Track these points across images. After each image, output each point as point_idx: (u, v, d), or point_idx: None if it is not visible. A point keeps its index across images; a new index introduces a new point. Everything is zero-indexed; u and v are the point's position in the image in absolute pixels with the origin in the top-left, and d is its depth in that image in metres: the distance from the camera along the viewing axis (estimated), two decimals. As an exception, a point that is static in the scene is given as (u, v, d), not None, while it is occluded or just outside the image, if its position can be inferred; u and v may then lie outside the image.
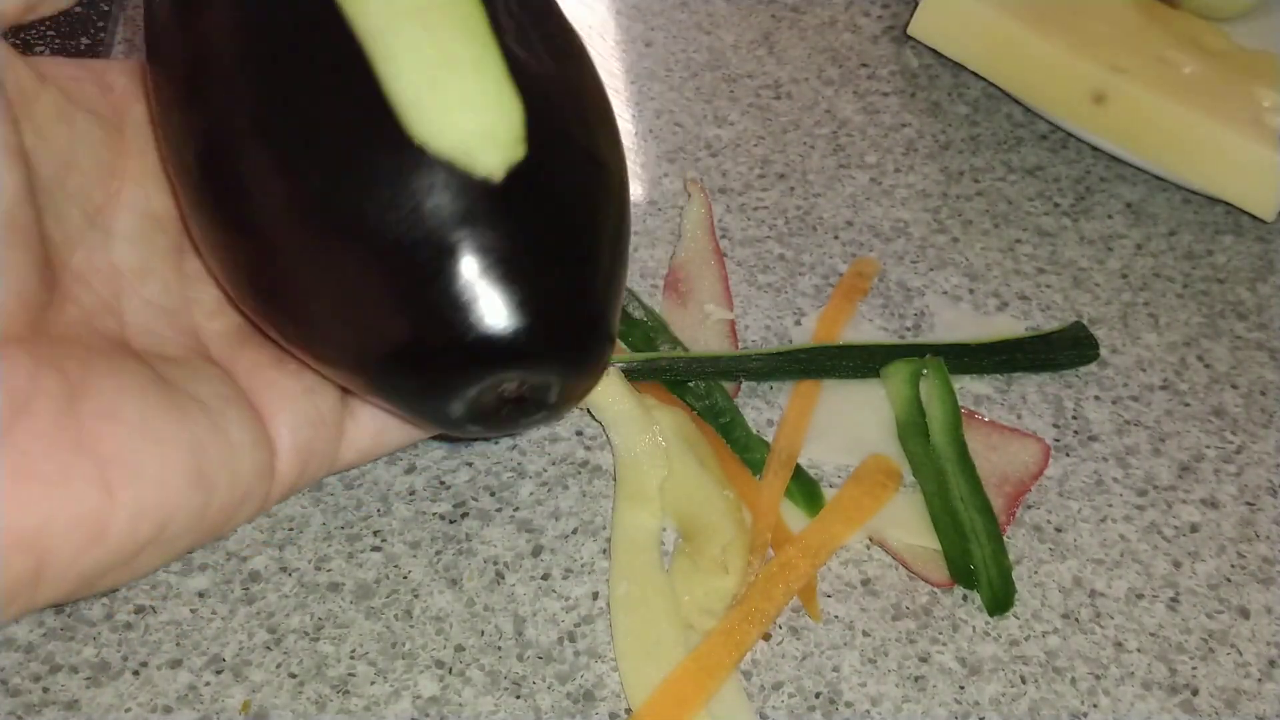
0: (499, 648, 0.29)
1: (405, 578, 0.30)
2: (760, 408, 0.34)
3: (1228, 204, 0.41)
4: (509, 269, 0.22)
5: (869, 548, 0.31)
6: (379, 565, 0.30)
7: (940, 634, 0.29)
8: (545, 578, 0.30)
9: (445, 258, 0.22)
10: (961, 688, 0.28)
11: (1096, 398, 0.35)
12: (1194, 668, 0.29)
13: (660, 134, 0.43)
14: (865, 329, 0.36)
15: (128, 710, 0.27)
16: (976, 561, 0.30)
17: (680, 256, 0.38)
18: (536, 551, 0.30)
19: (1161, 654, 0.29)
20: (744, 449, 0.32)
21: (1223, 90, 0.39)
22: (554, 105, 0.24)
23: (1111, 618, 0.30)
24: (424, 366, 0.23)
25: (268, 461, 0.25)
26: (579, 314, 0.23)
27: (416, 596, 0.29)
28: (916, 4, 0.44)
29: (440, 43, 0.22)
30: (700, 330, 0.36)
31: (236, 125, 0.23)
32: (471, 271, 0.22)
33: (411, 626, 0.29)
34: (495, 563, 0.30)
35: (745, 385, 0.34)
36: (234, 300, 0.25)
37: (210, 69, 0.23)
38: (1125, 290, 0.38)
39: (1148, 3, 0.43)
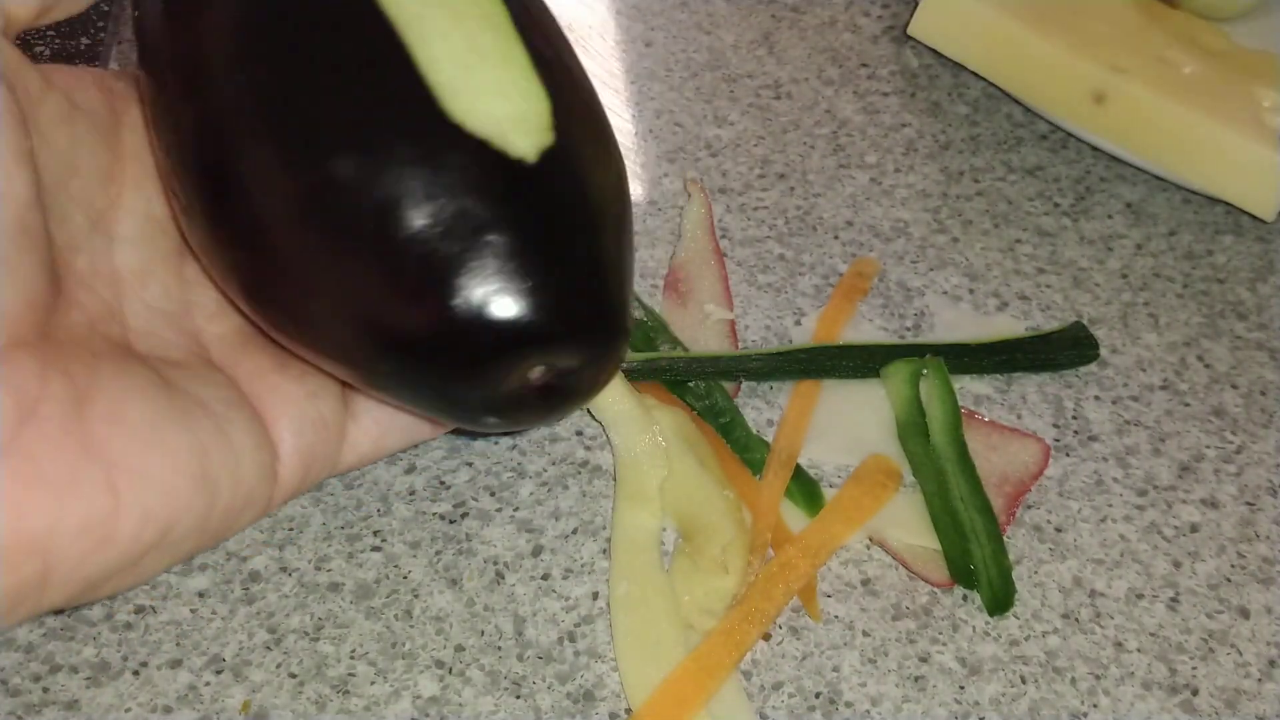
0: (499, 648, 0.29)
1: (405, 578, 0.30)
2: (760, 408, 0.34)
3: (1228, 204, 0.41)
4: (545, 247, 0.23)
5: (869, 548, 0.31)
6: (379, 565, 0.30)
7: (940, 634, 0.29)
8: (545, 578, 0.30)
9: (487, 232, 0.22)
10: (961, 688, 0.28)
11: (1096, 398, 0.35)
12: (1194, 668, 0.29)
13: (660, 134, 0.43)
14: (865, 329, 0.36)
15: (128, 710, 0.27)
16: (976, 561, 0.30)
17: (680, 256, 0.38)
18: (536, 551, 0.30)
19: (1161, 654, 0.29)
20: (744, 449, 0.32)
21: (1223, 90, 0.39)
22: (572, 97, 0.24)
23: (1111, 618, 0.30)
24: (460, 349, 0.23)
25: (271, 465, 0.25)
26: (606, 296, 0.24)
27: (416, 596, 0.29)
28: (916, 4, 0.44)
29: (469, 33, 0.23)
30: (700, 330, 0.36)
31: (250, 118, 0.22)
32: (511, 248, 0.22)
33: (411, 626, 0.29)
34: (495, 563, 0.30)
35: (745, 385, 0.34)
36: (237, 302, 0.25)
37: (216, 66, 0.23)
38: (1125, 290, 0.38)
39: (1148, 3, 0.43)
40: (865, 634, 0.29)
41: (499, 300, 0.22)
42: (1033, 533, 0.31)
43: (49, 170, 0.23)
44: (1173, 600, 0.30)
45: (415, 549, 0.30)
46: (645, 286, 0.37)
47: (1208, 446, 0.34)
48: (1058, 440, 0.34)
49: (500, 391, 0.24)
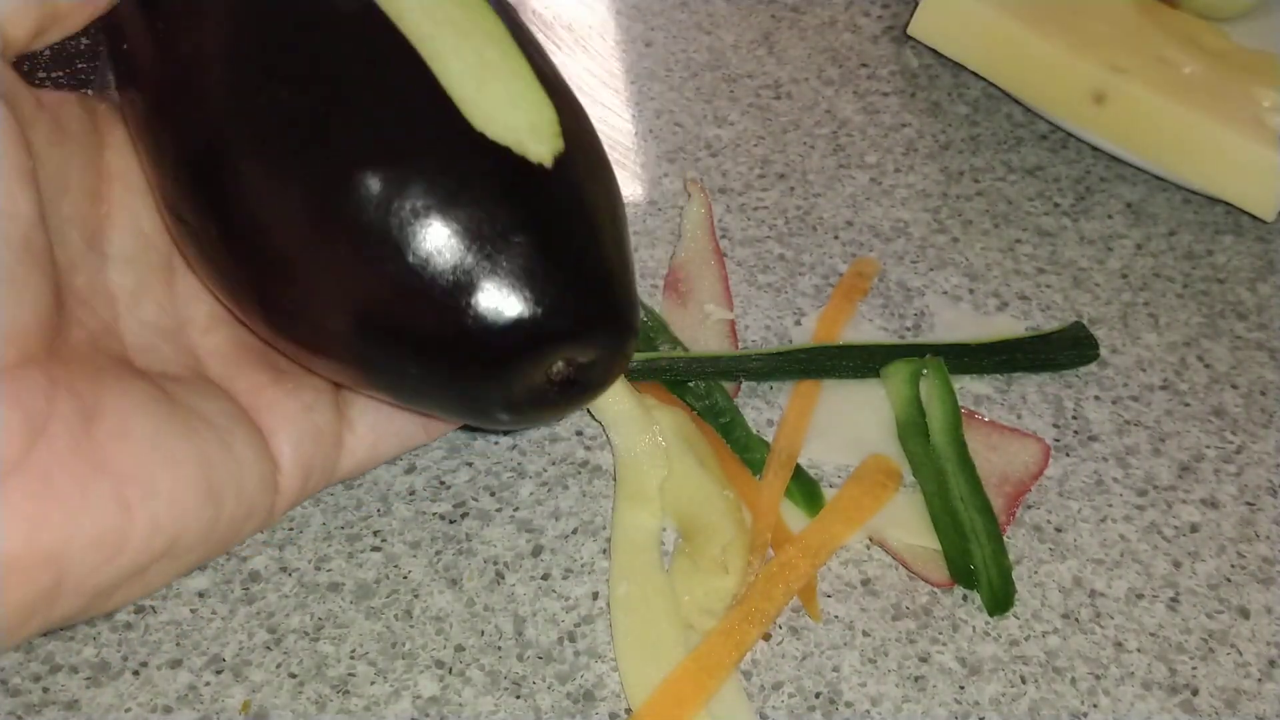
0: (499, 648, 0.29)
1: (405, 578, 0.30)
2: (760, 408, 0.34)
3: (1228, 204, 0.41)
4: (566, 246, 0.24)
5: (869, 548, 0.31)
6: (379, 565, 0.30)
7: (940, 634, 0.29)
8: (545, 578, 0.30)
9: (515, 234, 0.23)
10: (961, 688, 0.28)
11: (1096, 398, 0.35)
12: (1194, 668, 0.29)
13: (660, 134, 0.43)
14: (865, 329, 0.36)
15: (128, 710, 0.27)
16: (976, 561, 0.30)
17: (680, 256, 0.38)
18: (536, 551, 0.30)
19: (1161, 654, 0.29)
20: (744, 449, 0.32)
21: (1223, 90, 0.39)
22: (571, 106, 0.26)
23: (1111, 618, 0.30)
24: (497, 346, 0.23)
25: (272, 476, 0.26)
26: (620, 290, 0.25)
27: (416, 596, 0.29)
28: (916, 4, 0.44)
29: (478, 49, 0.24)
30: (700, 330, 0.36)
31: (276, 138, 0.23)
32: (538, 248, 0.23)
33: (411, 626, 0.29)
34: (495, 563, 0.30)
35: (745, 385, 0.34)
36: (248, 316, 0.25)
37: (232, 91, 0.23)
38: (1125, 290, 0.38)
39: (1148, 3, 0.43)
40: (865, 634, 0.29)
41: (533, 298, 0.23)
42: (1033, 533, 0.31)
43: (44, 191, 0.23)
44: (1173, 600, 0.30)
45: (415, 549, 0.30)
46: (645, 286, 0.37)
47: (1208, 446, 0.34)
48: (1058, 440, 0.34)
49: (525, 387, 0.24)
